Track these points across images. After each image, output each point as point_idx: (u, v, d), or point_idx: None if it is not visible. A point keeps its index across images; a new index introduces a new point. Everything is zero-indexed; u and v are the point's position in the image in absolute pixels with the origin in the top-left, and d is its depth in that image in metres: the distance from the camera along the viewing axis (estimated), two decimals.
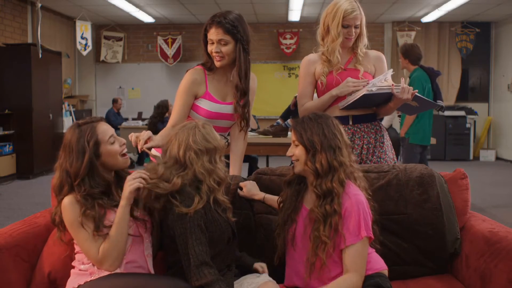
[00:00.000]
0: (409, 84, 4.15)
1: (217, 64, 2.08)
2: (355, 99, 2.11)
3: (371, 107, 2.29)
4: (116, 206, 1.56)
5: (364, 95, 2.07)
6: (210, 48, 2.07)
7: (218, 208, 1.62)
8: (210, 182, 1.57)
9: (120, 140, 1.63)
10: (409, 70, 4.34)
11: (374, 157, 2.28)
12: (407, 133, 4.23)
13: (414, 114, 2.39)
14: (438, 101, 4.25)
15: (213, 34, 2.03)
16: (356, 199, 1.57)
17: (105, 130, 1.60)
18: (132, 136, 1.93)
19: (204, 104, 2.13)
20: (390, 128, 4.68)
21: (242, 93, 2.13)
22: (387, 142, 2.36)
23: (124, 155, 1.64)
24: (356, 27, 2.21)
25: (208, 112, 2.13)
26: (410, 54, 4.26)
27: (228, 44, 2.04)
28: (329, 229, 1.54)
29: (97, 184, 1.56)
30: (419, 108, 2.33)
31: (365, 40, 2.28)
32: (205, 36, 2.09)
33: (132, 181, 1.52)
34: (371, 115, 2.30)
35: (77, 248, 1.63)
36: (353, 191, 1.59)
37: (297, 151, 1.63)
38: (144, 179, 1.54)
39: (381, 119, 2.43)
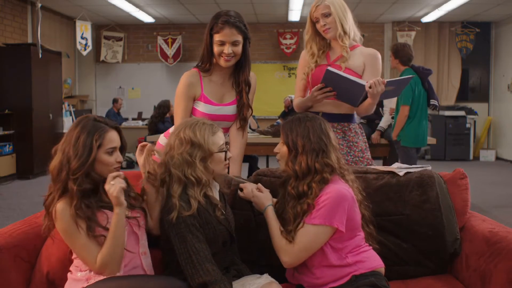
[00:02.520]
0: None
1: (226, 64, 2.07)
2: (323, 77, 2.12)
3: (353, 102, 2.22)
4: (103, 207, 1.54)
5: (328, 70, 2.06)
6: (220, 49, 2.03)
7: (209, 208, 1.61)
8: (189, 174, 1.57)
9: (118, 156, 1.59)
10: (399, 70, 4.28)
11: (350, 156, 2.30)
12: (398, 135, 4.20)
13: (394, 96, 2.32)
14: (431, 100, 4.20)
15: (227, 35, 2.01)
16: (335, 189, 1.57)
17: (112, 139, 1.56)
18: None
19: (200, 107, 2.13)
20: (390, 128, 4.67)
21: (248, 88, 2.18)
22: (362, 143, 2.37)
23: (116, 170, 1.60)
24: (325, 16, 2.21)
25: (204, 114, 2.12)
26: (401, 54, 4.21)
27: (239, 44, 2.05)
28: (297, 226, 1.58)
29: (88, 181, 1.53)
30: (396, 89, 2.28)
31: (340, 30, 2.21)
32: (210, 36, 2.05)
33: (112, 186, 1.48)
34: (340, 115, 2.31)
35: (75, 254, 1.61)
36: (335, 184, 1.60)
37: (282, 149, 1.66)
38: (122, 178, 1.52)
39: (357, 118, 2.44)
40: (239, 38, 2.03)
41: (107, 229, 1.52)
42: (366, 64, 2.27)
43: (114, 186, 1.48)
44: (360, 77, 2.25)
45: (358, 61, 2.26)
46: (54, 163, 1.54)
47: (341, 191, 1.57)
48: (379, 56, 2.31)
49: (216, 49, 2.05)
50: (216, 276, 1.47)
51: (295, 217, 1.59)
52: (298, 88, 2.43)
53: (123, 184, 1.50)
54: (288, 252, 1.58)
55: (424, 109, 4.22)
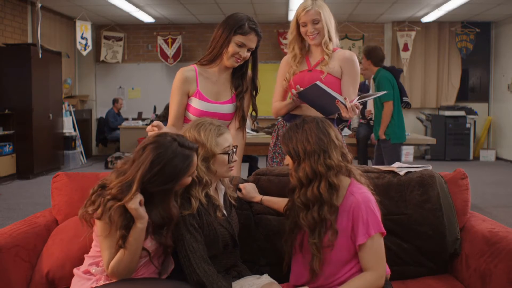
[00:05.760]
0: (378, 84, 4.20)
1: (234, 65, 2.11)
2: (307, 87, 2.08)
3: (323, 113, 2.21)
4: (159, 242, 1.51)
5: (316, 85, 2.02)
6: (237, 49, 2.06)
7: (211, 209, 1.61)
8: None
9: (194, 172, 1.55)
10: (371, 71, 4.40)
11: None
12: (386, 134, 4.25)
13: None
14: (404, 98, 4.33)
15: (250, 40, 2.06)
16: (363, 197, 1.53)
17: (195, 163, 1.52)
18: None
19: (195, 104, 2.13)
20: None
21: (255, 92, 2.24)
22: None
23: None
24: (314, 23, 2.23)
25: (199, 111, 2.12)
26: (373, 55, 4.31)
27: (251, 51, 2.11)
28: (318, 236, 1.52)
29: (162, 213, 1.48)
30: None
31: (326, 37, 2.25)
32: (231, 33, 2.05)
33: (131, 199, 1.43)
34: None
35: (95, 242, 1.57)
36: (358, 190, 1.56)
37: (290, 161, 1.61)
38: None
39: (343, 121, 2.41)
40: (254, 46, 2.10)
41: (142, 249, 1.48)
42: (344, 70, 2.27)
43: (132, 200, 1.43)
44: (339, 81, 2.27)
45: (336, 66, 2.28)
46: (128, 196, 1.43)
47: (369, 196, 1.54)
48: (355, 58, 2.31)
49: (233, 48, 2.06)
50: (213, 276, 1.49)
51: (312, 226, 1.53)
52: (278, 93, 2.45)
53: (141, 197, 1.45)
54: (376, 276, 1.51)
55: (400, 106, 4.35)
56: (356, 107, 2.05)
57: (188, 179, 1.53)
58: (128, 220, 1.44)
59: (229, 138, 1.66)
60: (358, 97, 2.14)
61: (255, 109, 2.27)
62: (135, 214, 1.43)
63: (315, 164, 1.52)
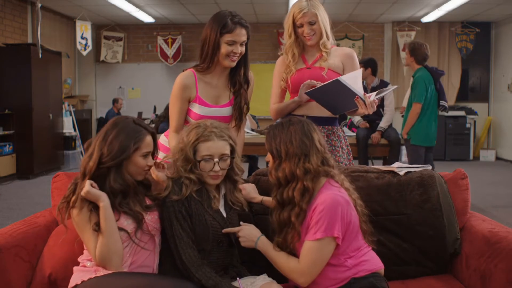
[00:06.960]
0: (412, 84, 4.16)
1: (231, 64, 2.08)
2: (325, 83, 2.07)
3: (332, 110, 2.23)
4: (126, 213, 1.58)
5: (337, 80, 1.99)
6: (229, 48, 2.03)
7: (205, 200, 1.64)
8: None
9: (149, 161, 1.63)
10: (412, 68, 4.33)
11: None
12: (408, 133, 4.22)
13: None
14: (441, 101, 4.27)
15: (239, 35, 2.02)
16: (329, 197, 1.51)
17: (148, 144, 1.62)
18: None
19: (196, 108, 2.12)
20: (390, 128, 4.67)
21: (246, 86, 2.20)
22: (345, 146, 2.39)
23: (146, 172, 1.66)
24: (311, 24, 2.23)
25: (199, 116, 2.11)
26: (417, 53, 4.25)
27: (244, 44, 2.08)
28: (284, 236, 1.55)
29: (119, 181, 1.57)
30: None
31: (324, 37, 2.26)
32: (220, 35, 2.03)
33: (84, 188, 1.53)
34: (324, 118, 2.31)
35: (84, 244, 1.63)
36: (327, 190, 1.54)
37: (271, 159, 1.63)
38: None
39: (342, 119, 2.42)
40: (246, 38, 2.07)
41: (120, 230, 1.56)
42: (345, 66, 2.31)
43: (84, 188, 1.53)
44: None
45: (337, 61, 2.30)
46: (91, 163, 1.56)
47: (335, 198, 1.51)
48: (355, 54, 2.35)
49: (225, 48, 2.03)
50: (198, 262, 1.55)
51: (281, 225, 1.56)
52: (275, 95, 2.45)
53: (90, 181, 1.54)
54: (300, 272, 1.52)
55: (435, 109, 4.28)
56: (374, 103, 2.07)
57: (141, 160, 1.59)
58: (93, 203, 1.54)
59: (215, 146, 1.63)
60: (375, 92, 2.14)
61: (246, 102, 2.22)
62: (92, 197, 1.52)
63: (294, 166, 1.54)
